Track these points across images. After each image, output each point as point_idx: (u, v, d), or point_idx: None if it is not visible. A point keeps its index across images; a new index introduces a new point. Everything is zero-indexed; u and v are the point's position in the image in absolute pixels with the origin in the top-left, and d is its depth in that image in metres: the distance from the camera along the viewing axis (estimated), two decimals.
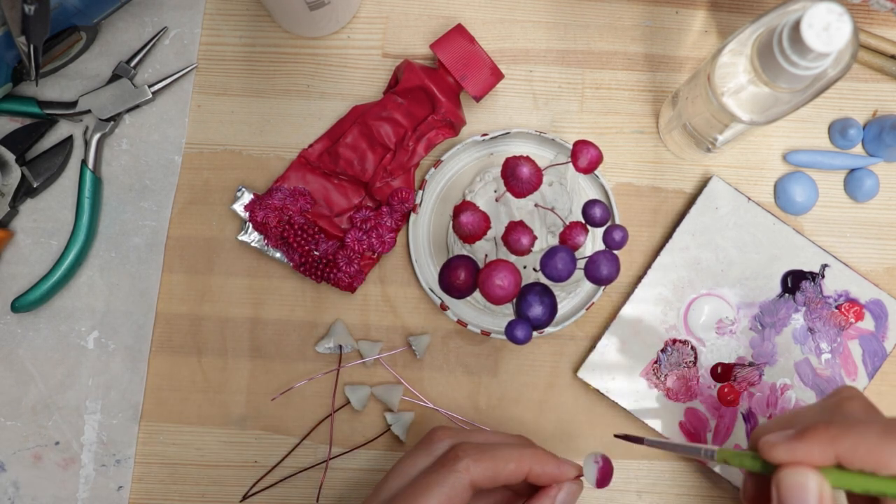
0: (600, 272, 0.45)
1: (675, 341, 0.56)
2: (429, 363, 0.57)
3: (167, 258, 0.57)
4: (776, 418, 0.41)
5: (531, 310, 0.44)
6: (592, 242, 0.57)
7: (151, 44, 0.57)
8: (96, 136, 0.56)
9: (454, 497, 0.41)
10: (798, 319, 0.56)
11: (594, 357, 0.56)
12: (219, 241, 0.57)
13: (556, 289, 0.53)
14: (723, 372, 0.55)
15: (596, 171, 0.55)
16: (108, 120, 0.56)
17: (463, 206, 0.45)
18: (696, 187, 0.58)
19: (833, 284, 0.56)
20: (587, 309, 0.56)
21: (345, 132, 0.56)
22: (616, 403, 0.56)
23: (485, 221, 0.45)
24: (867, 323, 0.56)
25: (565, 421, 0.56)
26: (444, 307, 0.55)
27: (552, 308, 0.44)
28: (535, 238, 0.45)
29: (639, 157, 0.58)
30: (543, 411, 0.57)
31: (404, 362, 0.57)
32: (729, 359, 0.56)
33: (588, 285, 0.56)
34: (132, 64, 0.57)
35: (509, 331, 0.44)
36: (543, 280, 0.51)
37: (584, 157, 0.47)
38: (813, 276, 0.56)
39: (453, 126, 0.56)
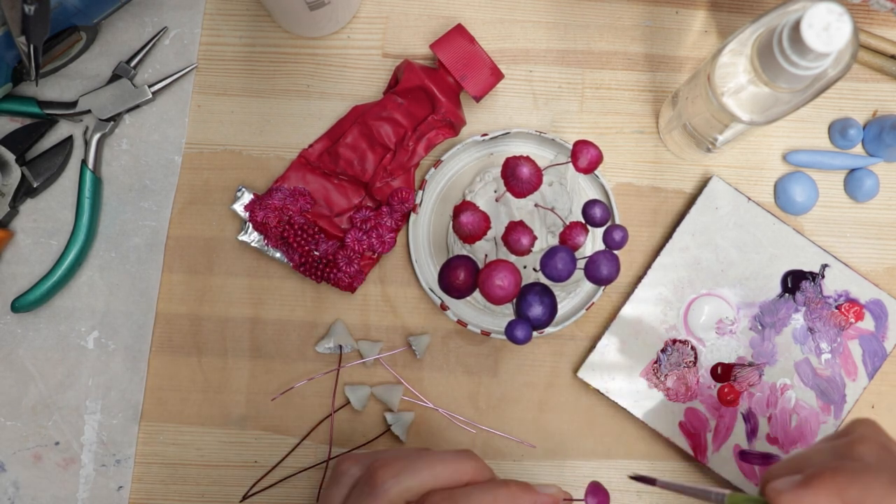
0: (600, 272, 0.45)
1: (675, 341, 0.56)
2: (429, 363, 0.57)
3: (167, 258, 0.57)
4: (786, 459, 0.40)
5: (531, 310, 0.44)
6: (592, 242, 0.57)
7: (151, 44, 0.57)
8: (96, 136, 0.56)
9: None
10: (798, 319, 0.56)
11: (594, 357, 0.56)
12: (219, 241, 0.57)
13: (556, 289, 0.53)
14: (723, 372, 0.55)
15: (596, 171, 0.55)
16: (108, 120, 0.56)
17: (463, 206, 0.45)
18: (696, 187, 0.58)
19: (833, 284, 0.56)
20: (587, 309, 0.56)
21: (345, 132, 0.56)
22: (616, 403, 0.56)
23: (485, 221, 0.45)
24: (867, 323, 0.56)
25: (565, 421, 0.56)
26: (444, 307, 0.55)
27: (552, 308, 0.44)
28: (535, 238, 0.45)
29: (639, 157, 0.58)
30: (543, 411, 0.57)
31: (404, 362, 0.57)
32: (729, 359, 0.56)
33: (588, 285, 0.56)
34: (132, 64, 0.57)
35: (509, 331, 0.44)
36: (543, 280, 0.51)
37: (584, 157, 0.47)
38: (813, 276, 0.56)
39: (453, 126, 0.56)
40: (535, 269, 0.51)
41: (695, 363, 0.56)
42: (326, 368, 0.57)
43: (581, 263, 0.53)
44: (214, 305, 0.57)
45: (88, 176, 0.56)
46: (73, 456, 0.56)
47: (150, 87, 0.57)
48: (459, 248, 0.54)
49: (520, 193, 0.45)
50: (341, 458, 0.43)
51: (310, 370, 0.57)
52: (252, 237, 0.56)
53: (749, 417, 0.55)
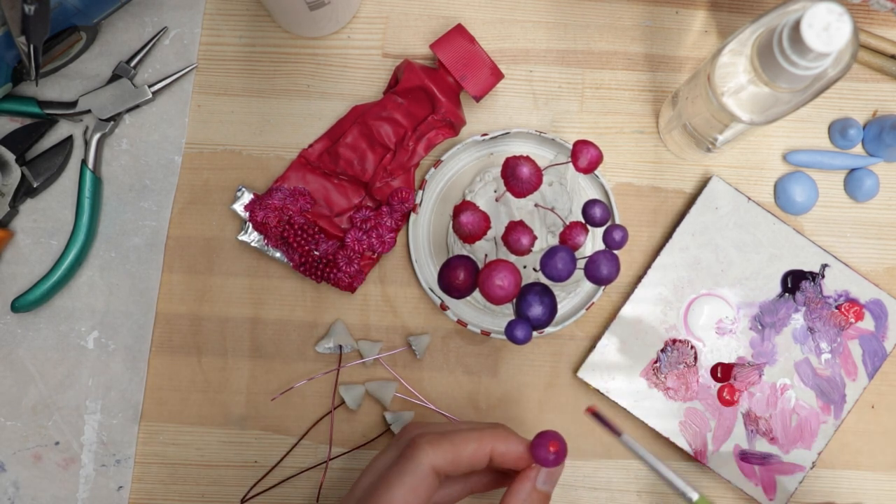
0: (600, 272, 0.45)
1: (675, 341, 0.56)
2: (429, 363, 0.57)
3: (167, 258, 0.57)
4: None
5: (531, 310, 0.44)
6: (592, 242, 0.57)
7: (151, 44, 0.57)
8: (96, 136, 0.56)
9: (417, 486, 0.42)
10: (798, 319, 0.56)
11: (594, 357, 0.56)
12: (219, 241, 0.57)
13: (556, 289, 0.53)
14: (723, 372, 0.55)
15: (596, 171, 0.55)
16: (108, 120, 0.56)
17: (463, 206, 0.45)
18: (696, 187, 0.58)
19: (833, 284, 0.56)
20: (587, 309, 0.56)
21: (345, 132, 0.56)
22: (616, 403, 0.56)
23: (485, 221, 0.45)
24: (867, 323, 0.56)
25: (565, 421, 0.56)
26: (444, 307, 0.55)
27: (552, 308, 0.44)
28: (535, 238, 0.45)
29: (639, 157, 0.58)
30: (543, 411, 0.57)
31: (404, 362, 0.57)
32: (729, 359, 0.56)
33: (588, 285, 0.56)
34: (132, 64, 0.57)
35: (509, 331, 0.44)
36: (543, 280, 0.51)
37: (584, 157, 0.47)
38: (813, 276, 0.56)
39: (453, 126, 0.56)
40: (535, 269, 0.51)
41: (695, 363, 0.56)
42: (326, 368, 0.57)
43: (581, 263, 0.53)
44: (214, 305, 0.57)
45: (88, 176, 0.56)
46: (73, 456, 0.56)
47: (150, 87, 0.57)
48: (459, 248, 0.54)
49: (520, 193, 0.45)
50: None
51: (310, 370, 0.57)
52: (252, 237, 0.56)
53: (749, 417, 0.55)
